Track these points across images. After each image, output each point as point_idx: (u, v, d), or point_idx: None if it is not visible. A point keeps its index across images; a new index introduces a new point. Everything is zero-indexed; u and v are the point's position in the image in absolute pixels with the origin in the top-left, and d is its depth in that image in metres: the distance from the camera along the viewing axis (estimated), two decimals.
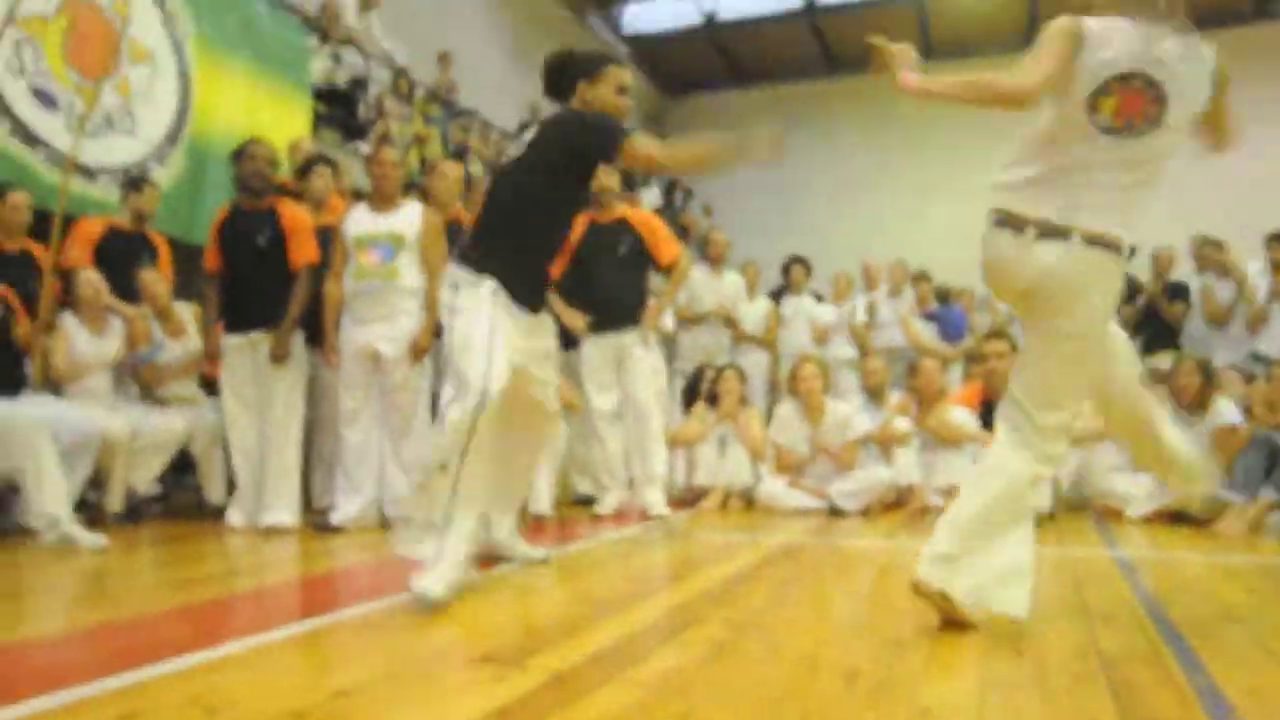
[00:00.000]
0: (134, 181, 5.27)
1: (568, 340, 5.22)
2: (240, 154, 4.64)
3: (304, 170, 5.31)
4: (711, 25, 14.90)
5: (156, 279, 4.92)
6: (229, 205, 4.74)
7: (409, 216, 4.52)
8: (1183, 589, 3.09)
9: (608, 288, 4.89)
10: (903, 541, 4.20)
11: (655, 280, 5.33)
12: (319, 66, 8.02)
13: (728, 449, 5.65)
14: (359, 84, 8.56)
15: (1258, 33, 13.78)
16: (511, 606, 2.74)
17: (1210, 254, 7.15)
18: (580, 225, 5.01)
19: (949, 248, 11.65)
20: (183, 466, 5.09)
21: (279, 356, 4.47)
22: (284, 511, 4.38)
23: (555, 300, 5.01)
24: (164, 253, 5.24)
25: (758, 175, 15.53)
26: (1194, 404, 5.06)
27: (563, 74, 3.13)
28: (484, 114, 10.68)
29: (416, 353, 4.41)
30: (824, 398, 5.55)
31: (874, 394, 5.89)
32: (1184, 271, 7.56)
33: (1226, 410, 4.98)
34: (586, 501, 5.36)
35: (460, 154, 9.05)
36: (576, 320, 4.89)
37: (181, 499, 5.35)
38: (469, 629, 2.40)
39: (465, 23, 12.03)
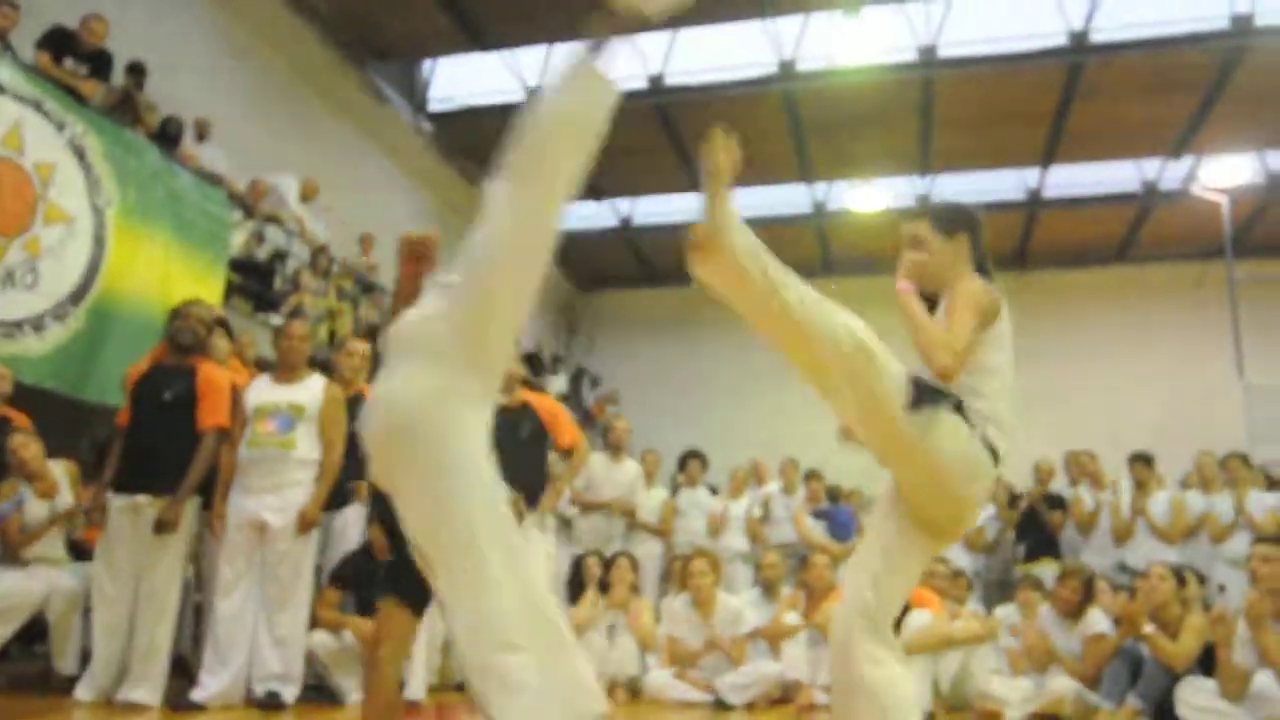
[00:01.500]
0: None
1: None
2: (176, 312, 4.58)
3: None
4: (627, 229, 15.73)
5: (25, 442, 4.74)
6: (150, 361, 4.60)
7: (311, 389, 4.55)
8: None
9: (509, 471, 4.93)
10: None
11: (556, 466, 5.40)
12: (240, 240, 8.20)
13: (617, 638, 5.57)
14: (279, 257, 8.74)
15: (1119, 273, 15.23)
16: None
17: (1085, 464, 7.63)
18: None
19: (843, 449, 12.09)
20: (32, 633, 4.73)
21: (164, 525, 4.19)
22: (146, 690, 4.11)
23: None
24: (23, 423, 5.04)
25: (664, 368, 16.03)
26: (1073, 612, 5.26)
27: None
28: None
29: (304, 525, 4.33)
30: (715, 591, 5.59)
31: (769, 588, 5.97)
32: (1060, 483, 7.99)
33: (1098, 620, 5.19)
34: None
35: (371, 331, 9.18)
36: None
37: (27, 668, 4.97)
38: None
39: (389, 207, 12.48)
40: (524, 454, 4.98)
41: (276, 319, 7.72)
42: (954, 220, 2.58)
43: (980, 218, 2.63)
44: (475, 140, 13.47)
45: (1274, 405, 11.22)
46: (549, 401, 5.33)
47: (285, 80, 10.82)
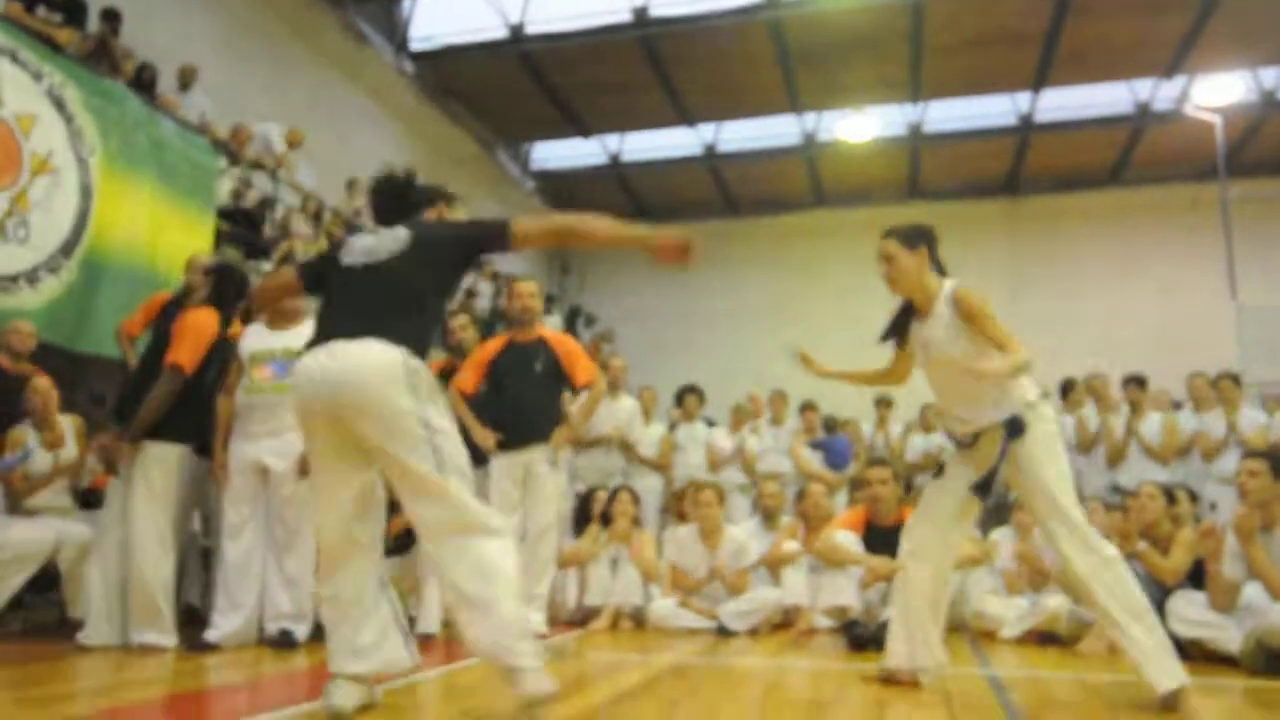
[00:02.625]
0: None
1: (475, 457, 5.24)
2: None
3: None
4: (617, 165, 15.59)
5: (49, 388, 4.82)
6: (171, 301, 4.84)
7: (305, 334, 4.53)
8: (1046, 705, 3.23)
9: (521, 405, 4.96)
10: (789, 661, 4.27)
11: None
12: (226, 187, 8.12)
13: (620, 569, 5.68)
14: (267, 204, 8.66)
15: (1112, 196, 15.16)
16: None
17: (1096, 387, 7.69)
18: (498, 343, 5.13)
19: (839, 381, 12.18)
20: (46, 581, 4.80)
21: (109, 460, 4.36)
22: (156, 632, 4.18)
23: (467, 415, 5.05)
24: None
25: (657, 305, 16.01)
26: None
27: (406, 197, 3.08)
28: None
29: (304, 468, 4.37)
30: (722, 522, 5.68)
31: (769, 516, 6.09)
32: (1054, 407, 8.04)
33: None
34: None
35: None
36: (488, 439, 4.94)
37: (41, 616, 5.06)
38: None
39: (376, 152, 12.32)
40: (536, 387, 5.00)
41: (268, 266, 7.68)
42: (914, 236, 3.35)
43: (935, 232, 3.40)
44: (458, 80, 13.27)
45: (1266, 325, 11.29)
46: (566, 338, 5.33)
47: (262, 23, 10.61)
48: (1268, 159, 13.97)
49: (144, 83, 7.62)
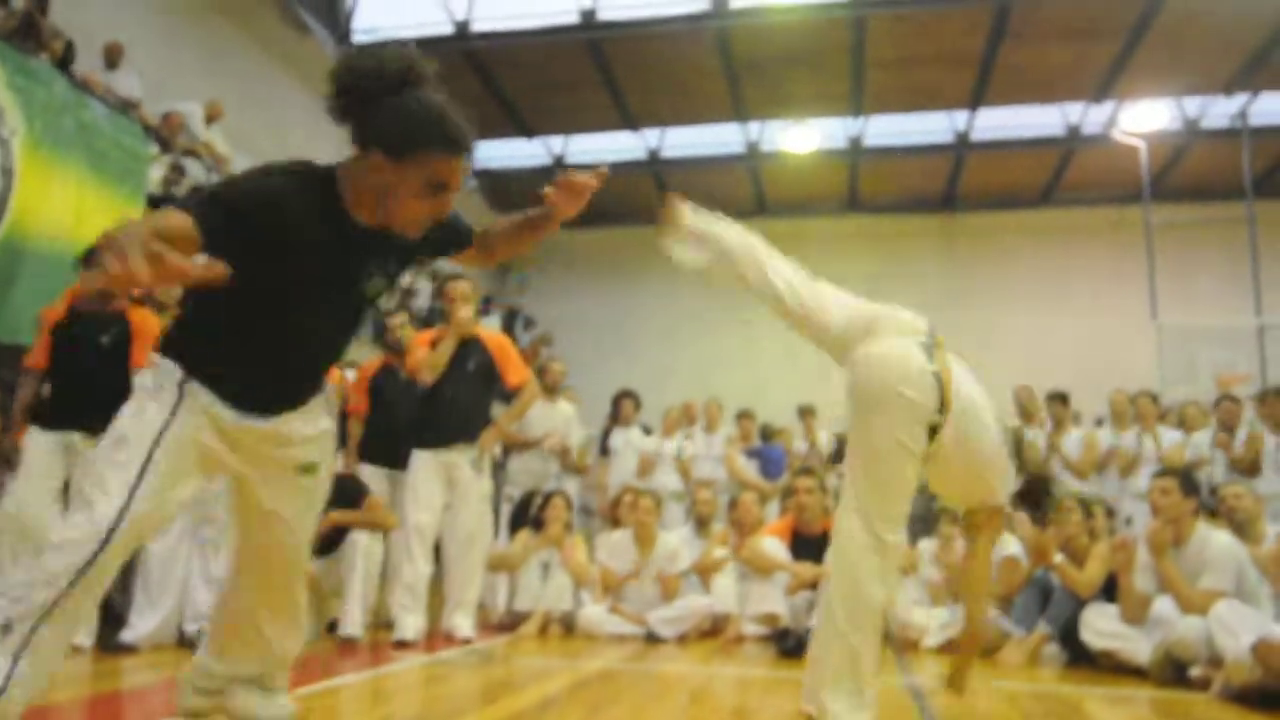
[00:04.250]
0: None
1: (398, 459, 5.18)
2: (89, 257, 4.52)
3: None
4: (560, 167, 15.53)
5: None
6: (66, 306, 4.54)
7: None
8: (964, 713, 3.31)
9: (450, 402, 4.89)
10: (716, 668, 4.30)
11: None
12: (158, 175, 7.90)
13: (550, 574, 5.66)
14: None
15: (1042, 215, 15.60)
16: None
17: (1024, 401, 7.82)
18: (432, 340, 5.07)
19: (776, 389, 12.33)
20: None
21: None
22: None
23: None
24: None
25: (597, 309, 16.02)
26: None
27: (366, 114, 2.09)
28: None
29: None
30: (657, 529, 5.71)
31: (702, 523, 6.14)
32: None
33: (1008, 544, 5.40)
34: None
35: None
36: None
37: None
38: None
39: (313, 145, 12.09)
40: (468, 386, 4.94)
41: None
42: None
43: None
44: None
45: (1184, 345, 11.72)
46: (499, 337, 5.28)
47: (198, 7, 10.34)
48: (1189, 185, 14.50)
49: (66, 61, 7.37)
